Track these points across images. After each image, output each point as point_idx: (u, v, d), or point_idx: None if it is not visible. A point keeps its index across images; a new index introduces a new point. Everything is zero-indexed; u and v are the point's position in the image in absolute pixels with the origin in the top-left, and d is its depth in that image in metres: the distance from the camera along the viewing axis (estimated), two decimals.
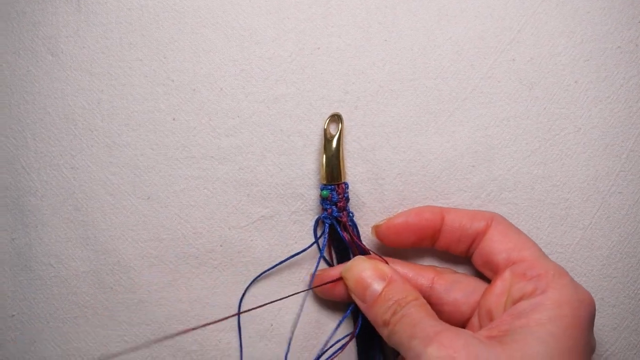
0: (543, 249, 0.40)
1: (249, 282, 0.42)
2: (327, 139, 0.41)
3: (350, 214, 0.42)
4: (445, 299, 0.38)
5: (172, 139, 0.43)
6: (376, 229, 0.40)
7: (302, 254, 0.42)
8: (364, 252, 0.41)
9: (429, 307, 0.36)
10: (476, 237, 0.39)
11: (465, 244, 0.39)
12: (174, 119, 0.43)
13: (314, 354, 0.42)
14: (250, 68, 0.43)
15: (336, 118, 0.42)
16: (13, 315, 0.42)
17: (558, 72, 0.43)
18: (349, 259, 0.41)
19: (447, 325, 0.34)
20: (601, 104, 0.43)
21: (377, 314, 0.36)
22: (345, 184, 0.42)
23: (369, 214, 0.42)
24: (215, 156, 0.42)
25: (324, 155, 0.41)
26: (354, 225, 0.42)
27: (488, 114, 0.43)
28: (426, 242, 0.40)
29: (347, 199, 0.42)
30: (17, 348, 0.42)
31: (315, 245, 0.42)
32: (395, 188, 0.42)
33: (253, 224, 0.42)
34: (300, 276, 0.42)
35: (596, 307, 0.42)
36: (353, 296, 0.38)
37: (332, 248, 0.42)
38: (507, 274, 0.37)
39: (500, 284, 0.37)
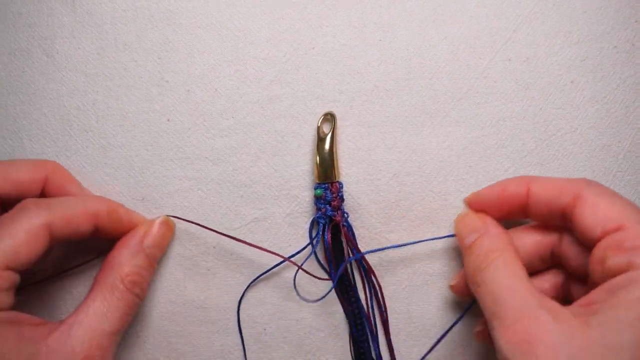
0: None
1: (242, 283, 0.42)
2: (320, 138, 0.41)
3: (345, 214, 0.42)
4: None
5: (167, 139, 0.43)
6: (466, 201, 0.40)
7: (297, 256, 0.42)
8: (357, 253, 0.41)
9: (516, 264, 0.33)
10: (566, 212, 0.35)
11: (557, 219, 0.36)
12: (168, 120, 0.43)
13: (307, 359, 0.42)
14: (244, 69, 0.43)
15: (329, 117, 0.42)
16: None
17: (554, 72, 0.42)
18: (342, 259, 0.41)
19: (530, 303, 0.31)
20: (598, 104, 0.42)
21: (467, 266, 0.35)
22: (340, 183, 0.41)
23: (365, 215, 0.42)
24: (210, 157, 0.42)
25: (317, 154, 0.41)
26: (349, 226, 0.42)
27: (484, 114, 0.42)
28: (519, 215, 0.38)
29: (342, 199, 0.41)
30: None
31: (309, 246, 0.42)
32: (391, 189, 0.42)
33: (247, 226, 0.42)
34: (291, 279, 0.42)
35: None
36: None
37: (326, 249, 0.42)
38: (602, 246, 0.33)
39: (596, 255, 0.33)
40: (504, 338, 0.30)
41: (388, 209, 0.42)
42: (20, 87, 0.43)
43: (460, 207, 0.42)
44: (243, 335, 0.42)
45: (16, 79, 0.43)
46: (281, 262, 0.41)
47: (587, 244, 0.34)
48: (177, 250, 0.42)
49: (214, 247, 0.42)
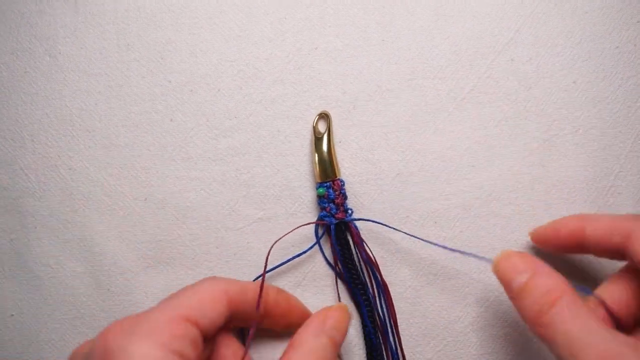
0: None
1: None
2: (317, 137, 0.41)
3: (350, 211, 0.42)
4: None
5: (170, 139, 0.43)
6: (531, 235, 0.41)
7: (304, 255, 0.42)
8: (364, 253, 0.41)
9: (580, 303, 0.32)
10: (620, 250, 0.36)
11: (613, 254, 0.36)
12: (171, 120, 0.43)
13: None
14: (247, 69, 0.43)
15: (324, 116, 0.42)
16: (12, 315, 0.43)
17: (556, 72, 0.43)
18: (352, 260, 0.41)
19: (610, 342, 0.30)
20: (600, 104, 0.42)
21: (524, 308, 0.34)
22: (341, 180, 0.41)
23: (368, 214, 0.42)
24: (213, 157, 0.42)
25: (316, 154, 0.41)
26: (354, 226, 0.42)
27: (486, 114, 0.43)
28: (578, 251, 0.39)
29: (345, 196, 0.41)
30: (15, 348, 0.42)
31: (313, 248, 0.42)
32: (394, 188, 0.42)
33: (250, 226, 0.42)
34: (297, 279, 0.42)
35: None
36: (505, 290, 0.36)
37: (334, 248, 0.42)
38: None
39: None
40: None
41: (391, 208, 0.42)
42: (22, 87, 0.43)
43: (463, 207, 0.42)
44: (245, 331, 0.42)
45: (18, 79, 0.43)
46: (287, 261, 0.41)
47: None
48: (180, 251, 0.42)
49: (217, 248, 0.42)
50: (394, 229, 0.39)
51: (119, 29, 0.43)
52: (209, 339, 0.36)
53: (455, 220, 0.42)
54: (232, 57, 0.43)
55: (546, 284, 0.33)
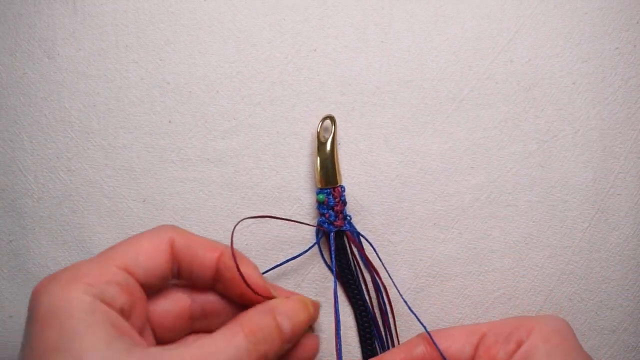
0: (542, 252, 0.40)
1: None
2: (321, 142, 0.41)
3: (348, 217, 0.41)
4: None
5: (168, 141, 0.42)
6: None
7: (299, 259, 0.42)
8: (363, 259, 0.41)
9: None
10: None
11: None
12: (169, 121, 0.43)
13: None
14: (246, 70, 0.43)
15: (329, 120, 0.42)
16: (11, 317, 0.42)
17: (556, 74, 0.42)
18: (349, 266, 0.41)
19: None
20: (599, 106, 0.42)
21: None
22: (342, 187, 0.41)
23: (367, 217, 0.42)
24: (211, 159, 0.42)
25: (318, 159, 0.41)
26: (353, 230, 0.42)
27: (486, 115, 0.42)
28: None
29: (344, 203, 0.41)
30: (15, 349, 0.42)
31: (309, 251, 0.42)
32: (394, 190, 0.42)
33: (248, 228, 0.42)
34: (296, 281, 0.42)
35: (595, 310, 0.42)
36: None
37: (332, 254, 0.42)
38: (481, 353, 0.36)
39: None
40: None
41: (390, 210, 0.42)
42: (20, 88, 0.43)
43: (463, 208, 0.42)
44: None
45: (17, 80, 0.43)
46: (284, 262, 0.41)
47: None
48: None
49: None
50: (383, 266, 0.41)
51: (118, 30, 0.43)
52: (158, 289, 0.34)
53: (454, 222, 0.42)
54: (230, 59, 0.43)
55: None
